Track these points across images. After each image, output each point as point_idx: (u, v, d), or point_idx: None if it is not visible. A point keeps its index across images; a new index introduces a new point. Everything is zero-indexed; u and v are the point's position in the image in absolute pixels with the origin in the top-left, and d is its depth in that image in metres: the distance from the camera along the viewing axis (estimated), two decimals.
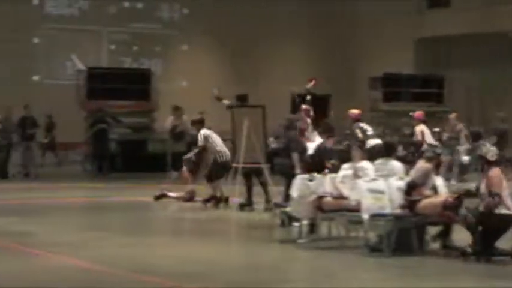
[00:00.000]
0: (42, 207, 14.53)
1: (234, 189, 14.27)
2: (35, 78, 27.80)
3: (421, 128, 16.50)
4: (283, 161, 12.60)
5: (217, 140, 15.00)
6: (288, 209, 10.81)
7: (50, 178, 20.88)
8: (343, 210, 10.09)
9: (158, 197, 15.61)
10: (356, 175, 10.28)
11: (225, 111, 16.98)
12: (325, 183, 10.45)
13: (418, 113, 17.21)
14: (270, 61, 30.12)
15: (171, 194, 15.63)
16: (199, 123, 15.12)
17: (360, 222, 9.86)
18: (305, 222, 10.45)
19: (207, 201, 14.62)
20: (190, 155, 15.75)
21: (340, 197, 10.21)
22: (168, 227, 13.07)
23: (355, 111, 15.83)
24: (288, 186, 11.37)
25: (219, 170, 14.75)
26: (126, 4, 29.20)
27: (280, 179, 13.38)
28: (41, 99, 24.49)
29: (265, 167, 16.32)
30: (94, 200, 15.92)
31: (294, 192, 10.59)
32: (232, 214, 14.02)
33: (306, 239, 10.33)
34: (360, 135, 15.04)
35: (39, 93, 26.21)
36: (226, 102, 14.95)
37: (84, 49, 28.29)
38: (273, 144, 15.03)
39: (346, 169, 10.50)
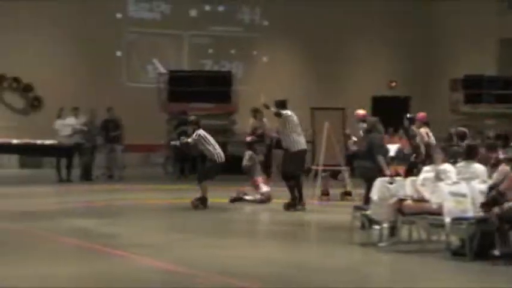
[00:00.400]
0: (125, 209, 14.77)
1: (311, 191, 14.24)
2: (118, 81, 28.28)
3: (425, 130, 16.38)
4: (366, 163, 12.52)
5: (213, 141, 15.13)
6: (368, 212, 10.78)
7: (133, 180, 21.20)
8: (424, 213, 10.01)
9: (234, 200, 15.74)
10: (438, 178, 10.19)
11: (307, 113, 17.05)
12: (406, 186, 10.39)
13: (422, 115, 17.10)
14: (351, 63, 29.98)
15: (246, 197, 15.74)
16: (195, 124, 15.13)
17: (441, 225, 9.77)
18: (385, 225, 10.40)
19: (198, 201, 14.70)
20: (176, 142, 16.03)
21: (421, 200, 10.13)
22: (246, 229, 13.14)
23: (360, 112, 16.05)
24: (368, 189, 11.32)
25: (214, 171, 14.98)
26: (207, 7, 29.45)
27: (360, 182, 13.31)
28: (123, 102, 24.91)
29: (344, 170, 16.32)
30: (176, 202, 16.10)
31: (374, 195, 10.55)
32: (308, 216, 14.02)
33: (387, 242, 10.28)
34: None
35: (122, 96, 26.68)
36: (273, 109, 14.89)
37: (165, 52, 28.71)
38: (352, 146, 14.97)
39: (427, 172, 10.41)
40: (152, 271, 8.86)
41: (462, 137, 15.15)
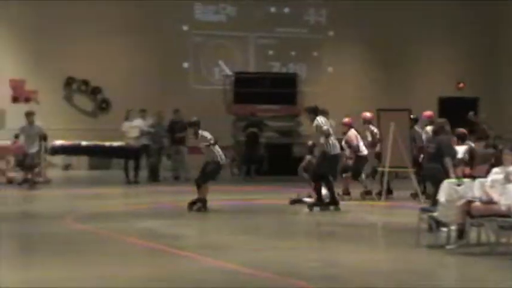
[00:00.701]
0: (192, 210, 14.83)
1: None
2: (185, 83, 28.49)
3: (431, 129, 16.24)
4: (434, 165, 12.36)
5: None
6: (435, 214, 10.64)
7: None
8: (493, 215, 9.85)
9: (294, 201, 15.69)
10: (507, 179, 10.01)
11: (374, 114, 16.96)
12: (474, 188, 10.23)
13: (428, 114, 16.92)
14: (417, 64, 29.69)
15: (306, 199, 15.69)
16: (197, 125, 14.98)
17: (510, 227, 9.60)
18: (453, 227, 10.27)
19: (193, 204, 14.49)
20: None
21: (490, 201, 9.97)
22: (309, 231, 13.08)
23: (368, 114, 16.64)
24: (436, 190, 11.18)
25: (217, 173, 14.90)
26: (273, 9, 29.48)
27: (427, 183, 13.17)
28: (190, 104, 25.08)
29: (411, 171, 16.17)
30: (242, 203, 16.15)
31: (442, 196, 10.41)
32: (372, 218, 13.91)
33: (455, 245, 10.13)
34: (369, 138, 16.72)
35: (189, 98, 26.87)
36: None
37: (231, 54, 28.82)
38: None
39: (496, 173, 10.24)
40: (217, 272, 8.89)
41: None
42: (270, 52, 29.46)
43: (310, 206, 14.72)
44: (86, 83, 27.49)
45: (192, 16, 28.89)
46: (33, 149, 19.42)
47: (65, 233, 11.72)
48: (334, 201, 14.77)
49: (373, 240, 11.98)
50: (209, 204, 14.52)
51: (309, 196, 15.70)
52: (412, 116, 17.01)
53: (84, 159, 26.00)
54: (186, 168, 22.40)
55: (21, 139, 20.08)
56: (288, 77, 26.87)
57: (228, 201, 16.45)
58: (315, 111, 14.96)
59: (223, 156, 14.94)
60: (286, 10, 29.67)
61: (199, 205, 14.40)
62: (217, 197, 16.98)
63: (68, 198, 17.99)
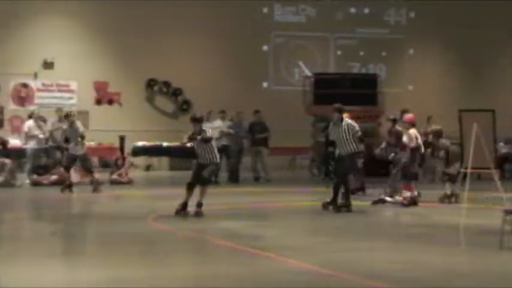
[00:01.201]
0: (271, 211, 14.89)
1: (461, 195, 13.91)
2: (265, 84, 28.59)
3: (414, 132, 15.80)
4: None
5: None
6: None
7: (278, 182, 21.34)
8: None
9: (376, 202, 15.57)
10: None
11: (455, 114, 16.64)
12: None
13: (409, 116, 16.42)
14: (500, 66, 29.18)
15: (388, 199, 15.53)
16: (199, 121, 14.50)
17: None
18: None
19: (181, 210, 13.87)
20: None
21: None
22: (390, 232, 12.95)
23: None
24: None
25: (217, 174, 14.76)
26: (353, 10, 29.35)
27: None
28: (270, 105, 25.15)
29: (494, 173, 15.85)
30: (320, 205, 16.10)
31: None
32: (454, 219, 13.68)
33: None
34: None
35: (268, 99, 26.95)
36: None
37: (311, 55, 28.79)
38: (503, 149, 14.58)
39: None
40: (296, 272, 8.88)
41: None
42: (350, 53, 29.33)
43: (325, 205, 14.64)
44: (167, 84, 27.83)
45: (272, 17, 28.97)
46: (80, 151, 18.67)
47: (146, 233, 11.87)
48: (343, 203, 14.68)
49: (455, 241, 11.77)
50: (289, 205, 14.50)
51: (390, 196, 15.60)
52: (391, 117, 16.85)
53: (165, 160, 26.33)
54: (266, 170, 22.46)
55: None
56: (368, 78, 26.68)
57: (308, 203, 16.41)
58: (339, 110, 14.88)
59: (218, 155, 14.46)
60: (366, 10, 29.49)
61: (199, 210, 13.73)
62: (298, 198, 16.98)
63: (150, 198, 18.23)
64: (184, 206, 13.70)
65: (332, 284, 8.30)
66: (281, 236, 11.87)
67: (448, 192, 16.19)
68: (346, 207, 14.56)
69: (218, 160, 14.34)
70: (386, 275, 8.63)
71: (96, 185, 18.68)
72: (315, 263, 9.27)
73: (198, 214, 13.54)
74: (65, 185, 18.55)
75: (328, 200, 14.63)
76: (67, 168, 18.75)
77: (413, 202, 15.44)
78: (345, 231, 12.52)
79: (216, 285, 8.21)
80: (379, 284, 8.19)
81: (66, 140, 18.63)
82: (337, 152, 15.42)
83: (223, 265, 9.46)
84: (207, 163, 14.03)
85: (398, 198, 15.60)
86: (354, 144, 14.67)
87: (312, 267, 9.06)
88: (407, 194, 15.55)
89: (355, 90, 24.85)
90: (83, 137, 18.74)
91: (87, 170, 19.04)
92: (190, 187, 13.88)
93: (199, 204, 13.70)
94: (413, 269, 9.11)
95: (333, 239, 11.51)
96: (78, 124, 18.94)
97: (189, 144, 14.88)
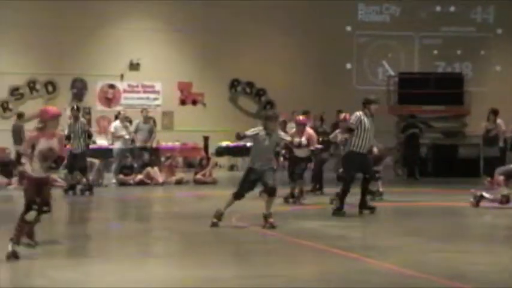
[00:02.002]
0: (355, 211, 14.78)
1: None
2: (348, 84, 28.47)
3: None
4: None
5: None
6: None
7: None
8: None
9: (478, 201, 15.24)
10: None
11: None
12: None
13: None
14: None
15: (486, 195, 15.19)
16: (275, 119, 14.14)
17: None
18: None
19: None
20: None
21: None
22: (482, 233, 12.71)
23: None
24: None
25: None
26: (438, 8, 28.99)
27: None
28: (353, 105, 25.00)
29: None
30: (405, 205, 15.94)
31: None
32: None
33: None
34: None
35: (351, 99, 26.79)
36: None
37: (395, 55, 28.54)
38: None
39: None
40: (381, 274, 8.81)
41: None
42: (435, 52, 28.97)
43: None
44: (250, 85, 27.97)
45: (355, 17, 28.83)
46: (78, 150, 18.06)
47: (230, 233, 11.94)
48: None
49: None
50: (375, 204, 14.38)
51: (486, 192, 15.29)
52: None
53: (248, 160, 26.44)
54: None
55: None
56: (454, 77, 26.31)
57: (392, 203, 16.28)
58: (363, 103, 14.47)
59: None
60: (452, 9, 29.09)
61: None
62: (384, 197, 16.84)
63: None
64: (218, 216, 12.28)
65: (416, 286, 8.22)
66: (364, 236, 11.80)
67: None
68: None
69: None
70: (472, 277, 8.49)
71: (86, 189, 17.96)
72: (399, 264, 9.18)
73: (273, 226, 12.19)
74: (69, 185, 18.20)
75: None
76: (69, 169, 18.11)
77: (507, 201, 15.02)
78: (432, 232, 12.34)
79: (296, 285, 8.21)
80: (464, 286, 8.06)
81: (68, 137, 17.56)
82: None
83: (305, 265, 9.45)
84: (266, 168, 12.54)
85: (497, 195, 15.15)
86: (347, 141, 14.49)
87: (396, 268, 8.98)
88: (505, 191, 15.17)
89: (440, 90, 24.54)
90: (89, 136, 18.39)
91: (80, 170, 18.20)
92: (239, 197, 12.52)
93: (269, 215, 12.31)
94: (502, 271, 8.93)
95: (420, 239, 11.38)
96: (83, 121, 18.59)
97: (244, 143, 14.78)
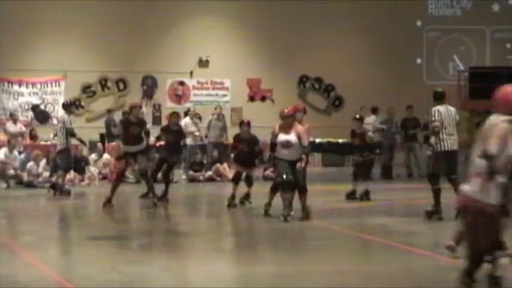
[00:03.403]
0: (423, 207, 14.62)
1: None
2: (418, 79, 28.18)
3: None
4: None
5: None
6: None
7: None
8: None
9: None
10: None
11: None
12: None
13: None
14: None
15: None
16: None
17: None
18: None
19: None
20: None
21: None
22: None
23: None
24: None
25: None
26: (511, 1, 28.49)
27: None
28: (423, 100, 24.73)
29: None
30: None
31: None
32: None
33: None
34: None
35: (422, 94, 26.51)
36: None
37: (466, 49, 28.15)
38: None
39: None
40: (455, 270, 8.68)
41: None
42: (508, 45, 28.47)
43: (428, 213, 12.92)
44: (319, 80, 27.89)
45: (426, 11, 28.52)
46: (60, 146, 17.32)
47: (298, 229, 11.94)
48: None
49: None
50: (443, 202, 14.19)
51: None
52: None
53: (317, 156, 26.39)
54: (420, 165, 22.15)
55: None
56: None
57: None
58: (434, 97, 13.48)
59: None
60: None
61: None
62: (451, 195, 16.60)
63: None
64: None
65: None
66: (436, 233, 11.67)
67: None
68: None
69: None
70: None
71: (57, 190, 17.26)
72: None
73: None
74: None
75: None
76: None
77: None
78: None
79: (365, 281, 8.17)
80: None
81: (70, 133, 17.08)
82: None
83: (374, 261, 9.39)
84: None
85: None
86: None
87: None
88: None
89: None
90: (71, 134, 17.14)
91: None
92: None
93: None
94: None
95: None
96: (66, 117, 17.35)
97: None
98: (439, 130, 12.92)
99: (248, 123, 15.55)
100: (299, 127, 12.59)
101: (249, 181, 15.08)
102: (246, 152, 14.99)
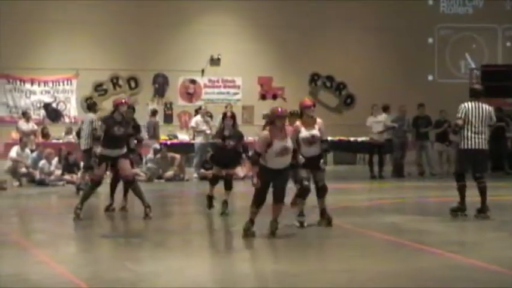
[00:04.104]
0: (437, 206, 14.64)
1: None
2: (430, 77, 28.13)
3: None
4: None
5: None
6: None
7: (444, 177, 20.90)
8: None
9: None
10: None
11: None
12: None
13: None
14: None
15: None
16: None
17: None
18: None
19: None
20: None
21: None
22: None
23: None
24: None
25: None
26: None
27: None
28: (434, 98, 24.71)
29: None
30: (493, 200, 15.66)
31: None
32: None
33: None
34: None
35: (433, 92, 26.49)
36: None
37: (478, 47, 28.08)
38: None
39: None
40: (464, 269, 8.69)
41: None
42: None
43: (453, 210, 12.85)
44: (330, 78, 27.88)
45: (438, 9, 28.47)
46: (83, 146, 17.16)
47: (308, 227, 11.92)
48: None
49: None
50: (455, 200, 14.18)
51: None
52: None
53: (329, 155, 26.36)
54: (432, 164, 22.13)
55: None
56: None
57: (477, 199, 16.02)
58: (469, 93, 12.82)
59: None
60: None
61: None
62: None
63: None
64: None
65: (502, 281, 8.08)
66: (447, 231, 11.64)
67: None
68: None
69: None
70: None
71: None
72: (483, 259, 9.03)
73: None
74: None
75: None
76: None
77: None
78: None
79: (376, 280, 8.16)
80: None
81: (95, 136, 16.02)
82: None
83: (385, 259, 9.37)
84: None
85: None
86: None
87: (479, 263, 8.84)
88: None
89: None
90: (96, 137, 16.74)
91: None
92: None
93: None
94: None
95: (505, 235, 11.17)
96: (92, 117, 17.31)
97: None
98: (458, 128, 12.69)
99: (232, 117, 13.80)
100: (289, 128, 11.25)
101: (228, 184, 13.53)
102: (227, 150, 13.50)
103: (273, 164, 10.59)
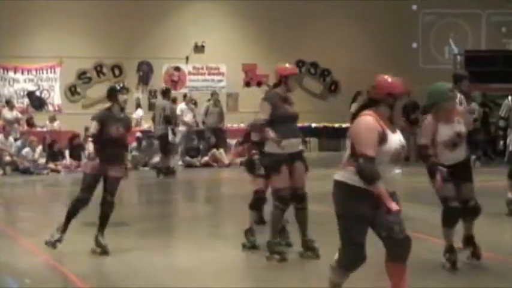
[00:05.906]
0: (423, 191, 14.59)
1: None
2: (414, 64, 28.20)
3: None
4: None
5: None
6: None
7: None
8: None
9: None
10: None
11: None
12: None
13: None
14: None
15: None
16: None
17: None
18: None
19: None
20: None
21: None
22: None
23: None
24: None
25: None
26: None
27: None
28: (419, 85, 24.74)
29: None
30: (480, 186, 15.70)
31: None
32: None
33: None
34: None
35: (418, 78, 26.52)
36: None
37: (462, 33, 28.15)
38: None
39: None
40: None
41: None
42: (503, 29, 28.46)
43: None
44: (315, 65, 27.88)
45: None
46: (158, 132, 18.95)
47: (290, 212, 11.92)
48: None
49: None
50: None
51: None
52: None
53: (314, 141, 26.42)
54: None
55: None
56: None
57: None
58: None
59: None
60: None
61: None
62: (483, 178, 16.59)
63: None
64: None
65: (488, 266, 8.12)
66: (433, 217, 11.66)
67: None
68: None
69: None
70: None
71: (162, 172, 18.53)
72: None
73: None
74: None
75: None
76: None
77: None
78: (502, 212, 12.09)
79: (366, 265, 8.18)
80: None
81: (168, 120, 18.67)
82: None
83: (372, 243, 9.40)
84: None
85: None
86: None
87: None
88: None
89: (508, 68, 24.13)
90: (168, 121, 18.67)
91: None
92: None
93: None
94: None
95: (495, 221, 11.18)
96: (166, 103, 18.91)
97: None
98: None
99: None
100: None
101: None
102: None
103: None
